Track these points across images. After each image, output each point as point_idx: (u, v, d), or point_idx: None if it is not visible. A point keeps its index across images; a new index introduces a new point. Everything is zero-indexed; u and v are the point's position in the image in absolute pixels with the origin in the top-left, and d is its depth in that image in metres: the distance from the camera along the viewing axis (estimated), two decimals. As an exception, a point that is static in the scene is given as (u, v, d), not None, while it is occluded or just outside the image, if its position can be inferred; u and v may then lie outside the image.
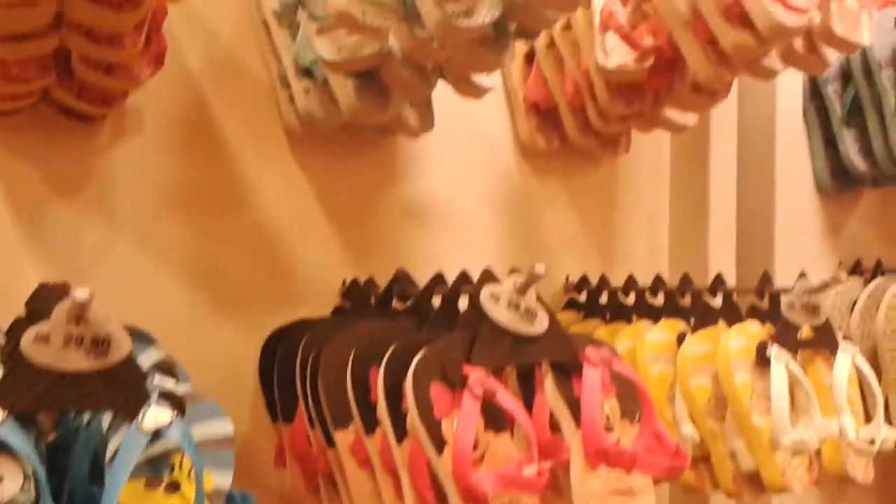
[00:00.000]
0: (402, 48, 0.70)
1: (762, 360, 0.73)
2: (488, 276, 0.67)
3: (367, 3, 0.65)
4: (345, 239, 0.89)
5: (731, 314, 0.80)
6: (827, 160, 1.11)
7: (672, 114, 0.89)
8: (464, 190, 0.96)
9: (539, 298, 0.64)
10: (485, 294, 0.63)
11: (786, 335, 0.74)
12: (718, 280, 0.83)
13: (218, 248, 0.82)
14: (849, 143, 1.08)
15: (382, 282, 0.82)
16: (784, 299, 0.75)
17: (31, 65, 0.64)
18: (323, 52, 0.73)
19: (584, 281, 0.97)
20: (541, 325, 0.63)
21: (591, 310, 0.93)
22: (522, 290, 0.63)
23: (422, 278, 0.79)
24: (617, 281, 0.94)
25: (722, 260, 1.06)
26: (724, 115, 1.04)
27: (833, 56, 0.78)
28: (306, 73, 0.80)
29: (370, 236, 0.90)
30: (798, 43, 0.76)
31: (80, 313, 0.50)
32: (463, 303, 0.68)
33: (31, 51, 0.62)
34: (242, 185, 0.84)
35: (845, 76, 1.07)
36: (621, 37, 0.80)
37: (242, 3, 0.83)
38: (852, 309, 1.02)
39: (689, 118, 0.91)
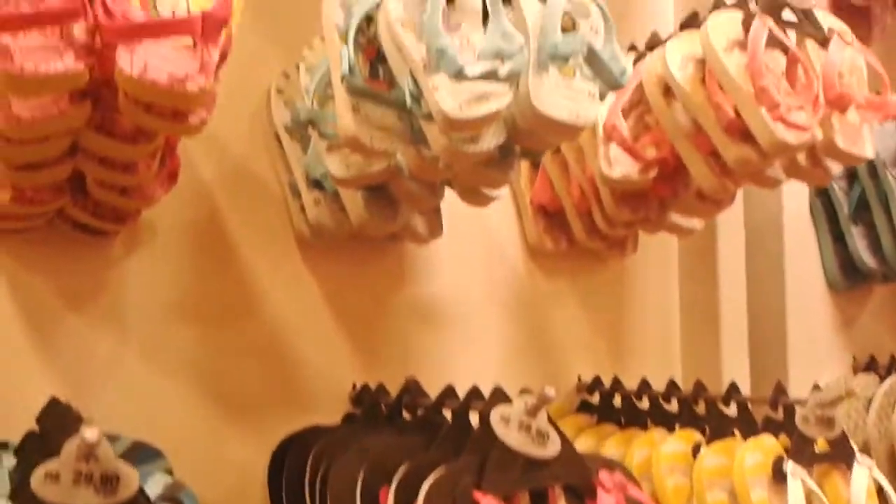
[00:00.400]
0: (409, 167, 0.71)
1: (779, 476, 0.71)
2: (499, 395, 0.67)
3: (375, 129, 0.67)
4: (354, 343, 0.89)
5: (746, 424, 0.79)
6: (836, 256, 1.12)
7: (678, 219, 0.90)
8: (473, 292, 0.96)
9: (550, 419, 0.64)
10: (495, 416, 0.63)
11: (801, 449, 0.73)
12: (733, 388, 0.83)
13: (228, 355, 0.82)
14: (857, 240, 1.08)
15: (392, 386, 0.82)
16: (798, 412, 0.74)
17: (46, 188, 0.66)
18: (332, 168, 0.75)
19: (596, 382, 0.96)
20: (553, 447, 0.63)
21: (604, 413, 0.93)
22: (533, 411, 0.63)
23: (432, 381, 0.79)
24: (629, 382, 0.93)
25: (735, 358, 1.06)
26: (731, 213, 1.04)
27: (837, 168, 0.79)
28: (317, 184, 0.82)
29: (380, 340, 0.90)
30: (801, 156, 0.77)
31: (89, 452, 0.50)
32: (474, 418, 0.68)
33: (47, 178, 0.63)
34: (253, 292, 0.85)
35: (851, 173, 1.08)
36: (624, 149, 0.81)
37: (255, 117, 0.85)
38: (868, 406, 1.01)
39: (695, 223, 0.92)
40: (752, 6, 0.79)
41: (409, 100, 0.64)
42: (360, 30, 0.67)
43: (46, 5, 0.47)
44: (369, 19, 0.68)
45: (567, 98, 0.64)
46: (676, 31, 0.85)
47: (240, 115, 0.84)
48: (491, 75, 0.60)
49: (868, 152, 0.77)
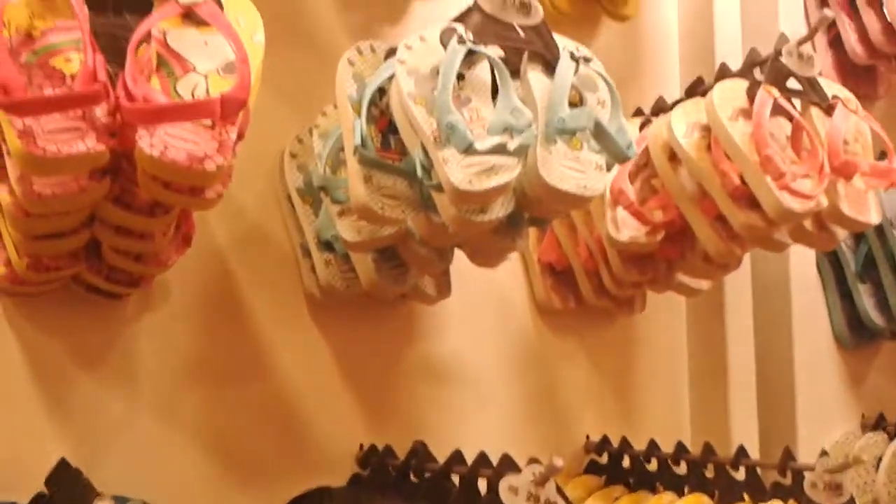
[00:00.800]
0: (419, 233, 0.72)
1: (788, 543, 0.71)
2: (507, 463, 0.67)
3: (386, 197, 0.68)
4: (362, 403, 0.89)
5: (755, 489, 0.79)
6: (844, 314, 1.12)
7: (686, 279, 0.91)
8: (481, 350, 0.96)
9: (559, 489, 0.64)
10: (504, 486, 0.63)
11: (810, 516, 0.73)
12: (741, 452, 0.83)
13: (237, 415, 0.83)
14: (865, 298, 1.08)
15: (400, 446, 0.82)
16: (807, 478, 0.74)
17: (62, 256, 0.67)
18: (344, 232, 0.76)
19: (604, 442, 0.96)
20: (561, 517, 0.63)
21: (613, 474, 0.92)
22: (542, 481, 0.63)
23: (441, 440, 0.79)
24: (638, 439, 0.93)
25: (743, 415, 1.05)
26: (739, 270, 1.04)
27: (843, 233, 0.79)
28: (327, 246, 0.83)
29: (388, 400, 0.91)
30: (807, 222, 0.77)
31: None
32: (482, 484, 0.68)
33: (64, 247, 0.65)
34: (263, 353, 0.85)
35: (857, 232, 1.08)
36: (631, 213, 0.82)
37: (268, 180, 0.86)
38: (877, 466, 1.00)
39: (703, 283, 0.92)
40: (757, 74, 0.81)
41: (419, 171, 0.66)
42: (372, 101, 0.69)
43: (70, 90, 0.49)
44: (381, 91, 0.70)
45: (575, 170, 0.65)
46: (682, 95, 0.87)
47: (254, 177, 0.85)
48: (500, 149, 0.62)
49: (874, 219, 0.78)
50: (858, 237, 1.09)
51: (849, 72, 1.14)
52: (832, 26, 1.10)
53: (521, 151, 0.63)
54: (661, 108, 0.89)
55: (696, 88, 0.85)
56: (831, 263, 1.11)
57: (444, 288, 0.87)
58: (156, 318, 0.80)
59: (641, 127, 0.88)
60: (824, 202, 0.74)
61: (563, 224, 0.95)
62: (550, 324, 1.01)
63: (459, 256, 0.82)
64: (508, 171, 0.63)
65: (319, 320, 0.88)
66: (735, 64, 0.87)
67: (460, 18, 0.68)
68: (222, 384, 0.82)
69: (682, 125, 0.80)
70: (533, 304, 1.00)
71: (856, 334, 1.12)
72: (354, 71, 0.72)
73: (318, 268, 0.84)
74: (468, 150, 0.61)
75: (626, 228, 0.84)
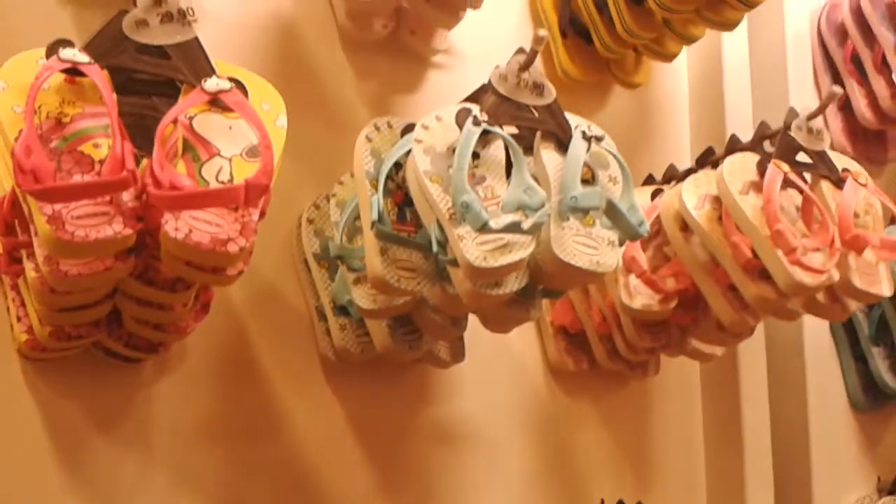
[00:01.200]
0: (434, 303, 0.73)
1: None
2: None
3: (401, 269, 0.69)
4: (376, 465, 0.90)
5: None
6: (858, 376, 1.11)
7: (699, 345, 0.91)
8: (494, 412, 0.97)
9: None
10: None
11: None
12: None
13: (251, 477, 0.83)
14: (878, 361, 1.08)
15: (412, 509, 0.82)
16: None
17: (84, 325, 0.69)
18: (359, 300, 0.77)
19: (619, 507, 0.95)
20: None
21: (627, 540, 0.92)
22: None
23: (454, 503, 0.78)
24: (652, 504, 0.93)
25: (759, 478, 1.04)
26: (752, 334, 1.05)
27: (855, 304, 0.80)
28: (342, 310, 0.84)
29: (401, 462, 0.91)
30: (820, 294, 0.78)
31: None
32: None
33: (86, 318, 0.66)
34: (277, 414, 0.86)
35: (870, 300, 1.08)
36: (644, 281, 0.83)
37: (285, 244, 0.88)
38: (895, 532, 0.99)
39: (716, 349, 0.93)
40: (767, 146, 0.82)
41: (435, 246, 0.67)
42: (389, 176, 0.71)
43: (99, 177, 0.51)
44: (398, 165, 0.72)
45: (587, 246, 0.66)
46: (692, 164, 0.88)
47: (271, 241, 0.87)
48: (514, 228, 0.63)
49: (886, 291, 0.78)
50: (872, 300, 1.09)
51: (859, 136, 1.15)
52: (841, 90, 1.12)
53: (535, 229, 0.64)
54: (671, 176, 0.90)
55: (707, 158, 0.86)
56: (845, 327, 1.11)
57: (458, 353, 0.87)
58: (172, 380, 0.82)
59: (653, 195, 0.89)
60: (836, 276, 0.75)
61: (576, 288, 0.95)
62: (564, 386, 1.01)
63: (473, 318, 0.83)
64: (522, 249, 0.64)
65: (334, 382, 0.89)
66: (745, 131, 0.88)
67: (474, 97, 0.70)
68: (237, 446, 0.83)
69: (694, 197, 0.81)
70: (546, 367, 1.00)
71: (870, 397, 1.11)
72: (372, 147, 0.73)
73: (333, 331, 0.85)
74: (483, 228, 0.63)
75: (638, 296, 0.84)
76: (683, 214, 0.81)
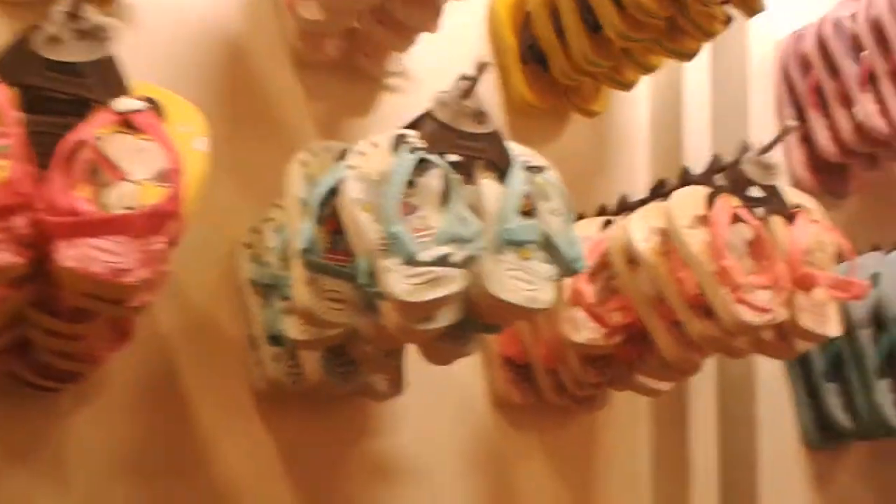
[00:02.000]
0: (366, 335, 0.70)
1: None
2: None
3: (330, 301, 0.66)
4: (309, 502, 0.86)
5: None
6: (812, 413, 1.09)
7: (645, 380, 0.89)
8: (436, 445, 0.93)
9: None
10: None
11: None
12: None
13: (175, 512, 0.79)
14: (831, 398, 1.06)
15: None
16: None
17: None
18: (290, 330, 0.73)
19: (561, 545, 0.92)
20: None
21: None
22: None
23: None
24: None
25: (707, 517, 1.02)
26: (704, 367, 1.03)
27: (803, 344, 0.78)
28: (275, 340, 0.80)
29: (337, 499, 0.87)
30: (767, 333, 0.76)
31: None
32: None
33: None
34: (203, 448, 0.82)
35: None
36: (589, 314, 0.80)
37: (220, 269, 0.84)
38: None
39: (662, 385, 0.90)
40: (720, 179, 0.80)
41: (364, 277, 0.64)
42: (324, 202, 0.67)
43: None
44: (333, 191, 0.68)
45: (523, 280, 0.64)
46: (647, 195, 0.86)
47: (206, 265, 0.83)
48: (444, 261, 0.60)
49: (833, 331, 0.76)
50: (825, 336, 1.07)
51: (820, 168, 1.13)
52: (803, 121, 1.10)
53: (467, 263, 0.61)
54: (623, 206, 0.88)
55: (659, 190, 0.84)
56: (798, 362, 1.09)
57: (396, 385, 0.84)
58: (91, 410, 0.77)
59: (604, 225, 0.87)
60: (782, 315, 0.73)
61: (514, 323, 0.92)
62: (509, 419, 0.98)
63: (414, 347, 0.80)
64: (452, 283, 0.61)
65: (265, 414, 0.85)
66: (703, 163, 0.86)
67: (414, 125, 0.67)
68: (159, 481, 0.79)
69: (642, 229, 0.78)
70: (492, 398, 0.97)
71: (823, 434, 1.10)
72: (307, 171, 0.70)
73: (265, 362, 0.81)
74: (411, 260, 0.60)
75: (584, 329, 0.82)
76: (630, 247, 0.78)
